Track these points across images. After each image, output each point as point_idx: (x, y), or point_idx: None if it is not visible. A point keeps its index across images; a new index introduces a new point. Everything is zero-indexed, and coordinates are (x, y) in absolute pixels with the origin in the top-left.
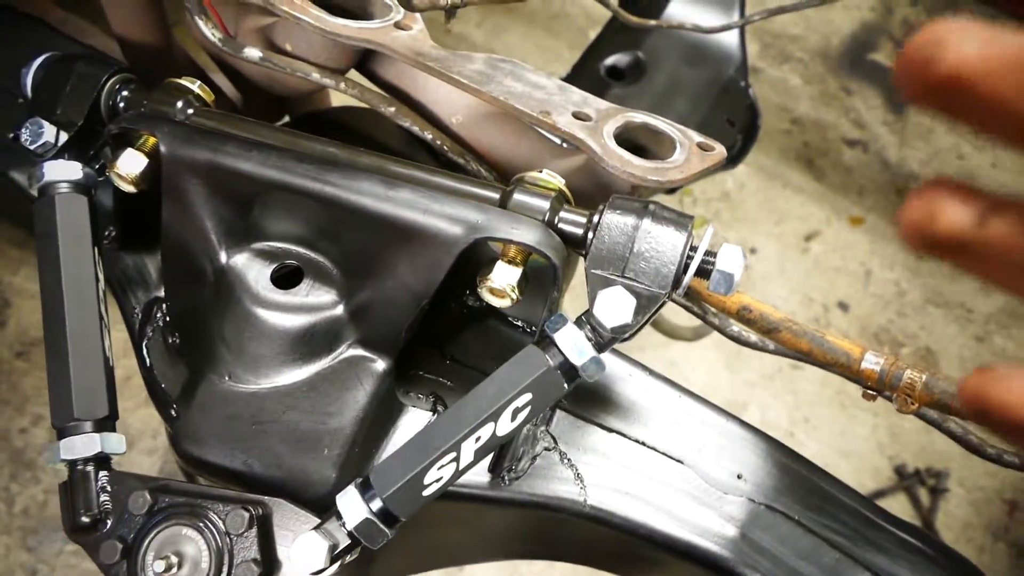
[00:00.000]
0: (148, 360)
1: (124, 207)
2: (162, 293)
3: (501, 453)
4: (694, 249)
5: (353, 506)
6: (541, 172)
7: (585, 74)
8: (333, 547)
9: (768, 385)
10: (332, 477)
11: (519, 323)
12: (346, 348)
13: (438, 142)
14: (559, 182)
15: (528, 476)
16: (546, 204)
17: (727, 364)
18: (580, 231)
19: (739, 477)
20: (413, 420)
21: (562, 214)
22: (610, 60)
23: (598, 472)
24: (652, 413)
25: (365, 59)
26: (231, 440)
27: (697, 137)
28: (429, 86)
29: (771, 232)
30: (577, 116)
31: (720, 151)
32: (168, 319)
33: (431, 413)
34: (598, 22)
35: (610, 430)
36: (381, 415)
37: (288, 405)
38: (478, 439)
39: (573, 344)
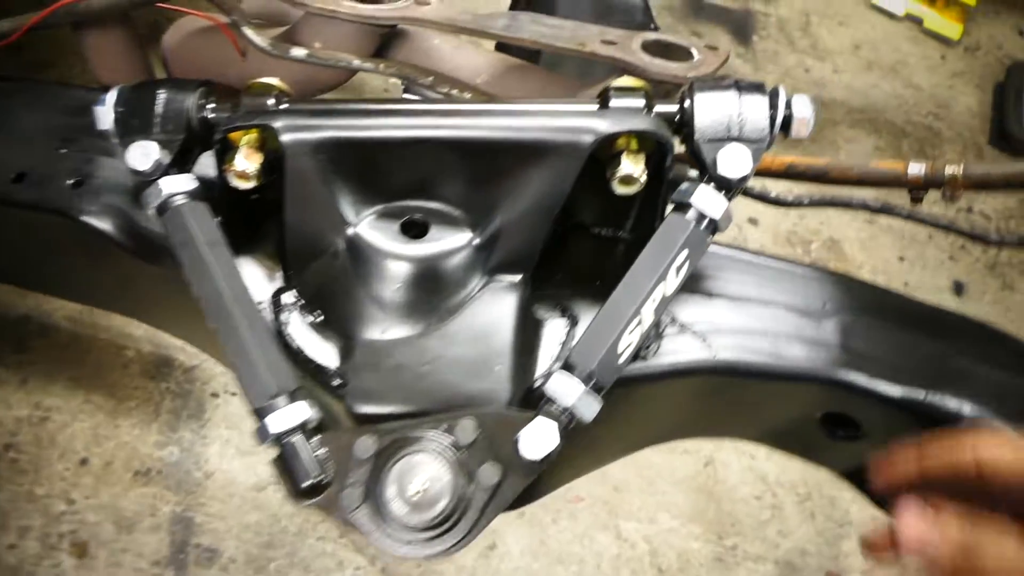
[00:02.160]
0: (295, 344)
1: (228, 205)
2: (280, 283)
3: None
4: (774, 106)
5: (566, 386)
6: (621, 77)
7: None
8: (558, 427)
9: None
10: (508, 389)
11: (603, 231)
12: (487, 275)
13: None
14: (642, 82)
15: (660, 354)
16: (642, 101)
17: None
18: (675, 115)
19: (825, 306)
20: (551, 331)
21: (656, 107)
22: None
23: (714, 331)
24: (737, 274)
25: (381, 47)
26: (405, 387)
27: (702, 42)
28: (445, 56)
29: None
30: (605, 42)
31: (725, 50)
32: (303, 301)
33: (565, 321)
34: None
35: (711, 295)
36: (527, 329)
37: (445, 342)
38: (653, 300)
39: (710, 201)
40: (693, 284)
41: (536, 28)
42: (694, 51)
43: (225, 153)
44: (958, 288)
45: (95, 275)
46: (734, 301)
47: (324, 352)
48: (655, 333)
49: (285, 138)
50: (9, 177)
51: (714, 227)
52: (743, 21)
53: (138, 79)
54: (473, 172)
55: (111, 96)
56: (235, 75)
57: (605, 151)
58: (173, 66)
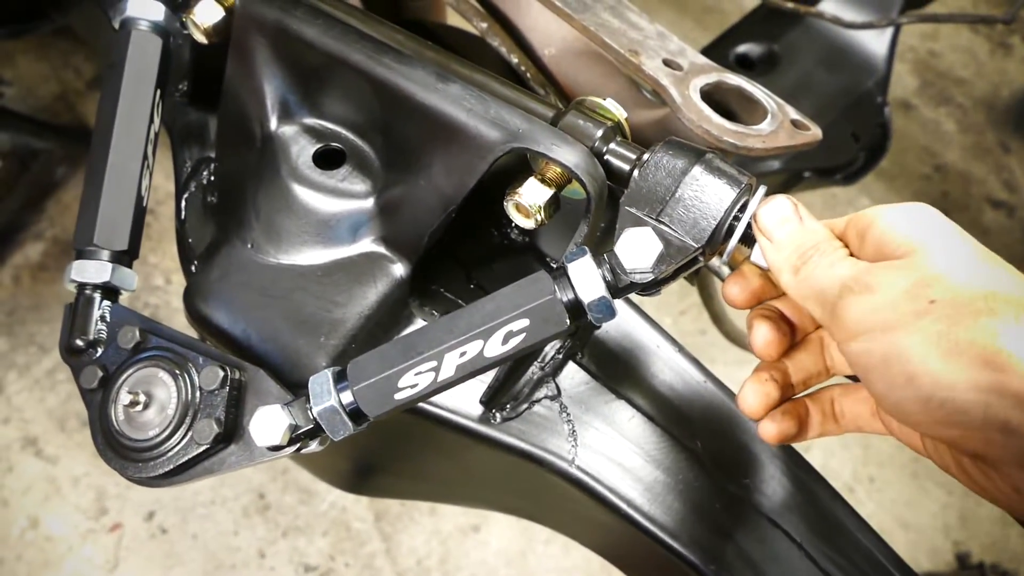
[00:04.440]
0: (184, 213)
1: (200, 61)
2: (214, 154)
3: (499, 388)
4: (743, 210)
5: (323, 390)
6: (605, 100)
7: (713, 57)
8: (294, 427)
9: None
10: (321, 366)
11: (555, 265)
12: (368, 242)
13: (523, 68)
14: (620, 113)
15: (522, 420)
16: (598, 131)
17: None
18: (627, 167)
19: (746, 480)
20: None
21: (612, 146)
22: (743, 48)
23: (596, 436)
24: (672, 392)
25: None
26: (238, 306)
27: (793, 113)
28: (530, 12)
29: None
30: (667, 63)
31: (815, 133)
32: (212, 178)
33: None
34: None
35: (620, 396)
36: (388, 320)
37: (299, 285)
38: (463, 354)
39: (585, 278)
40: (610, 374)
41: (605, 17)
42: (770, 117)
43: None
44: None
45: None
46: (644, 419)
47: (199, 235)
48: (530, 397)
49: (237, 2)
50: None
51: (579, 312)
52: None
53: None
54: (400, 127)
55: None
56: None
57: (518, 166)
58: None
